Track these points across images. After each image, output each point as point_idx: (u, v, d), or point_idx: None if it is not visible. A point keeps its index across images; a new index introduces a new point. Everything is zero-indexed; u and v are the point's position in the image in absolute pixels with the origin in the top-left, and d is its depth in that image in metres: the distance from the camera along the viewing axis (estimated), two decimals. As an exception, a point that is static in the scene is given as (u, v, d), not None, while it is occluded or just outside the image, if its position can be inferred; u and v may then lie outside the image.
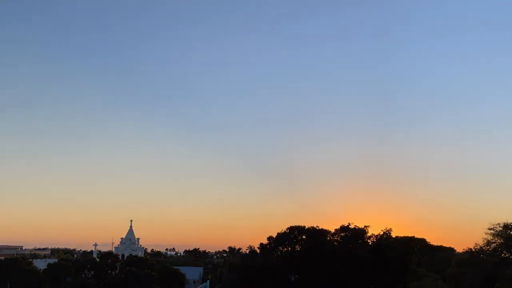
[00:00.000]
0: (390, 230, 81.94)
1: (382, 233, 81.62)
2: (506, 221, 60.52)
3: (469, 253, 63.92)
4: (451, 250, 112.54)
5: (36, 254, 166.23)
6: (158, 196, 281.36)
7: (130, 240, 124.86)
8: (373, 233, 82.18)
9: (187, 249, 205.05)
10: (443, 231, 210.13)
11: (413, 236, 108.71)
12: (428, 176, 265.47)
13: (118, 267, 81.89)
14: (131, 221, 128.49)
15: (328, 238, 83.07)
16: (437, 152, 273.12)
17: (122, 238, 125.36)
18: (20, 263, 77.28)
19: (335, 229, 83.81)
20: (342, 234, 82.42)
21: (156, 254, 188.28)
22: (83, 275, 79.53)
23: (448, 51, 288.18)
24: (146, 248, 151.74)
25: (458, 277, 62.23)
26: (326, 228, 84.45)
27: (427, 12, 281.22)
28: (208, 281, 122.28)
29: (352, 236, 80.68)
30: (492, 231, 60.61)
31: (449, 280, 66.06)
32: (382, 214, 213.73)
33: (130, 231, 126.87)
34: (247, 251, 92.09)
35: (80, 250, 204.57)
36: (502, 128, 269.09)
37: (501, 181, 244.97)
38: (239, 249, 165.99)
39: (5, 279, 72.34)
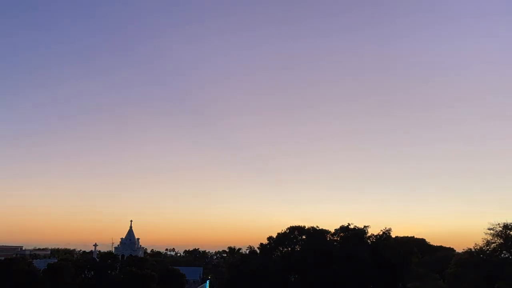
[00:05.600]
0: (390, 230, 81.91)
1: (381, 233, 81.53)
2: (506, 221, 60.59)
3: (468, 253, 63.93)
4: (450, 250, 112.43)
5: (36, 254, 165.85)
6: (158, 196, 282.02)
7: (130, 240, 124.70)
8: (373, 233, 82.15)
9: (187, 249, 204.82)
10: (443, 231, 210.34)
11: (413, 236, 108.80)
12: (428, 177, 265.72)
13: (118, 267, 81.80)
14: (131, 221, 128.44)
15: (328, 238, 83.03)
16: (437, 152, 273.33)
17: (122, 239, 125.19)
18: (20, 263, 77.14)
19: (335, 229, 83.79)
20: (342, 234, 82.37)
21: (156, 254, 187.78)
22: (83, 275, 79.41)
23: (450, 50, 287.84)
24: (146, 248, 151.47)
25: (458, 277, 62.22)
26: (326, 228, 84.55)
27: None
28: (208, 281, 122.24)
29: (352, 236, 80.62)
30: (492, 231, 60.70)
31: (449, 280, 66.04)
32: (382, 214, 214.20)
33: (130, 231, 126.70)
34: (247, 251, 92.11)
35: (80, 250, 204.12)
36: (502, 128, 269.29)
37: (501, 181, 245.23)
38: (239, 249, 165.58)
39: (5, 279, 72.19)
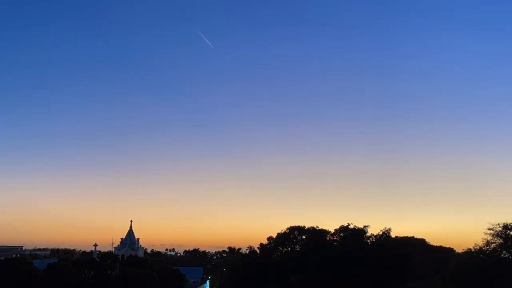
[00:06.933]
0: (390, 230, 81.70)
1: (381, 233, 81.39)
2: (505, 221, 60.63)
3: (468, 253, 64.03)
4: (450, 250, 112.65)
5: (36, 254, 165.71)
6: (158, 196, 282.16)
7: (130, 240, 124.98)
8: (373, 233, 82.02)
9: (187, 249, 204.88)
10: (443, 231, 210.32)
11: (413, 236, 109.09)
12: (428, 177, 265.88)
13: (118, 268, 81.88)
14: (131, 221, 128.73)
15: (328, 238, 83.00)
16: (437, 152, 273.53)
17: (122, 239, 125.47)
18: (20, 263, 77.20)
19: (335, 229, 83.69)
20: (341, 234, 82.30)
21: (156, 254, 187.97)
22: (83, 275, 79.44)
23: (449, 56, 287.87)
24: (146, 248, 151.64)
25: (457, 277, 62.32)
26: (326, 228, 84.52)
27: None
28: (207, 281, 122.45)
29: (352, 236, 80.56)
30: (491, 231, 60.76)
31: (448, 280, 66.14)
32: (382, 214, 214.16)
33: (130, 231, 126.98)
34: (247, 251, 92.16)
35: (80, 250, 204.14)
36: (501, 128, 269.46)
37: (501, 181, 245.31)
38: (239, 249, 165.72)
39: (5, 279, 72.22)
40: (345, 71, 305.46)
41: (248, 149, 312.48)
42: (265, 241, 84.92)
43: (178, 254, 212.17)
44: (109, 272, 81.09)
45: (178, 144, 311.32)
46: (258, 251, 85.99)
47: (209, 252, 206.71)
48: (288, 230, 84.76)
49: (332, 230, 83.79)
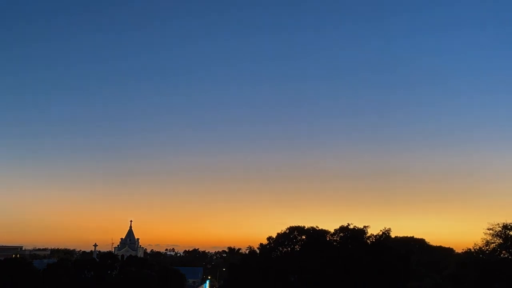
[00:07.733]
0: (389, 230, 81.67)
1: (381, 233, 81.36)
2: (505, 221, 60.55)
3: (468, 253, 63.96)
4: (450, 250, 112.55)
5: (36, 254, 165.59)
6: (158, 196, 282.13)
7: (130, 240, 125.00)
8: (372, 233, 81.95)
9: (187, 249, 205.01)
10: (443, 231, 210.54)
11: (413, 236, 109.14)
12: (428, 177, 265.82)
13: (118, 268, 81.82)
14: (131, 221, 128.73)
15: (328, 238, 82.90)
16: (437, 152, 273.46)
17: (122, 239, 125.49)
18: (20, 263, 77.17)
19: (335, 229, 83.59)
20: (341, 234, 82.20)
21: (155, 254, 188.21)
22: (83, 276, 79.39)
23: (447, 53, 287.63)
24: (146, 249, 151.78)
25: (457, 277, 62.27)
26: (326, 228, 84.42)
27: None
28: (207, 281, 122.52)
29: (351, 236, 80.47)
30: (491, 231, 60.62)
31: (448, 280, 66.11)
32: (382, 214, 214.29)
33: (130, 231, 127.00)
34: (247, 251, 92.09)
35: (80, 250, 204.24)
36: (501, 129, 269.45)
37: (501, 181, 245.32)
38: (239, 249, 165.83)
39: (4, 279, 72.20)
40: (344, 71, 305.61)
41: (248, 149, 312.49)
42: (265, 241, 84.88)
43: (178, 254, 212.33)
44: (109, 272, 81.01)
45: (177, 144, 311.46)
46: (258, 251, 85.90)
47: (209, 252, 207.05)
48: (288, 230, 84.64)
49: (332, 230, 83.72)
